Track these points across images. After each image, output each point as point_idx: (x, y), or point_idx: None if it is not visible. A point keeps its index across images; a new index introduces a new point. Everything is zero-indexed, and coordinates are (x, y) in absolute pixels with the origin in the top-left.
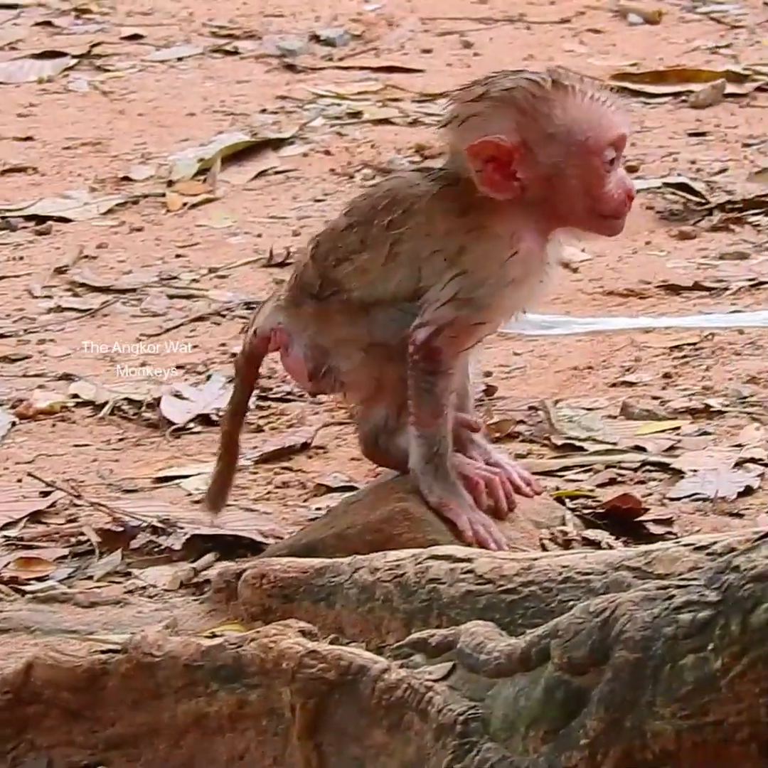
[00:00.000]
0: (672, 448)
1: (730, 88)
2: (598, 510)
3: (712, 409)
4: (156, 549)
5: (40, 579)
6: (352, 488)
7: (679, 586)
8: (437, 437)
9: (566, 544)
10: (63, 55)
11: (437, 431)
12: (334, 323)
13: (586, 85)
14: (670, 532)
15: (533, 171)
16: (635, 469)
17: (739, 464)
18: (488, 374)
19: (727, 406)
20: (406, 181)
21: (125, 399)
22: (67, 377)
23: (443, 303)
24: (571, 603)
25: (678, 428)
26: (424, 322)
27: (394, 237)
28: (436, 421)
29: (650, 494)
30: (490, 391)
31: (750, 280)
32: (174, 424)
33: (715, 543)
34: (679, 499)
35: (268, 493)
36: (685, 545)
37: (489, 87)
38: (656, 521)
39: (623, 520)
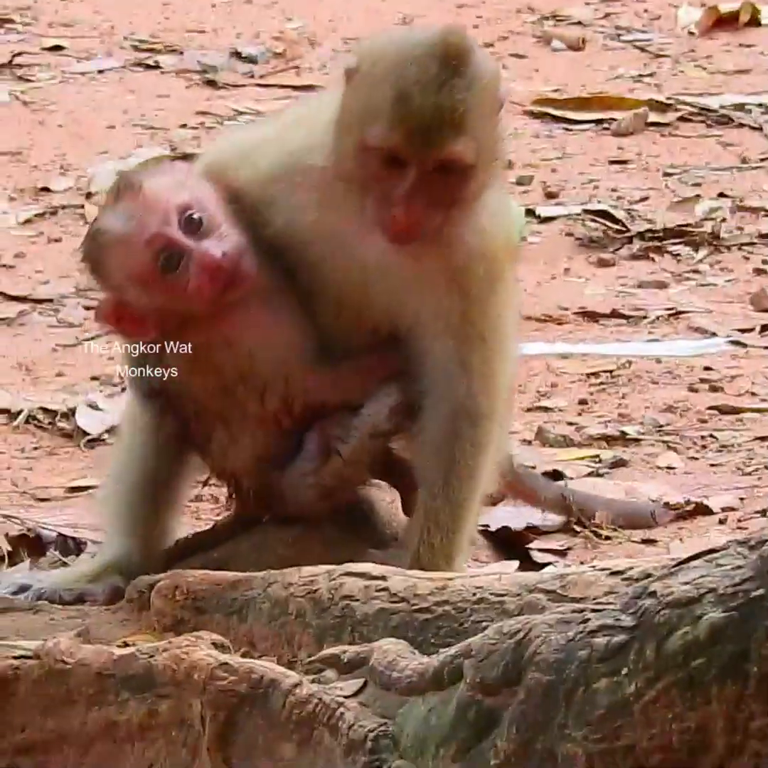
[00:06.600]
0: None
1: (653, 117)
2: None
3: (627, 437)
4: (68, 557)
5: None
6: None
7: (594, 610)
8: None
9: None
10: None
11: None
12: None
13: None
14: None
15: None
16: None
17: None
18: None
19: (643, 434)
20: None
21: (40, 408)
22: None
23: None
24: (485, 624)
25: (597, 456)
26: None
27: None
28: None
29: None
30: None
31: (668, 309)
32: (89, 434)
33: (631, 568)
34: None
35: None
36: (600, 570)
37: None
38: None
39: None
